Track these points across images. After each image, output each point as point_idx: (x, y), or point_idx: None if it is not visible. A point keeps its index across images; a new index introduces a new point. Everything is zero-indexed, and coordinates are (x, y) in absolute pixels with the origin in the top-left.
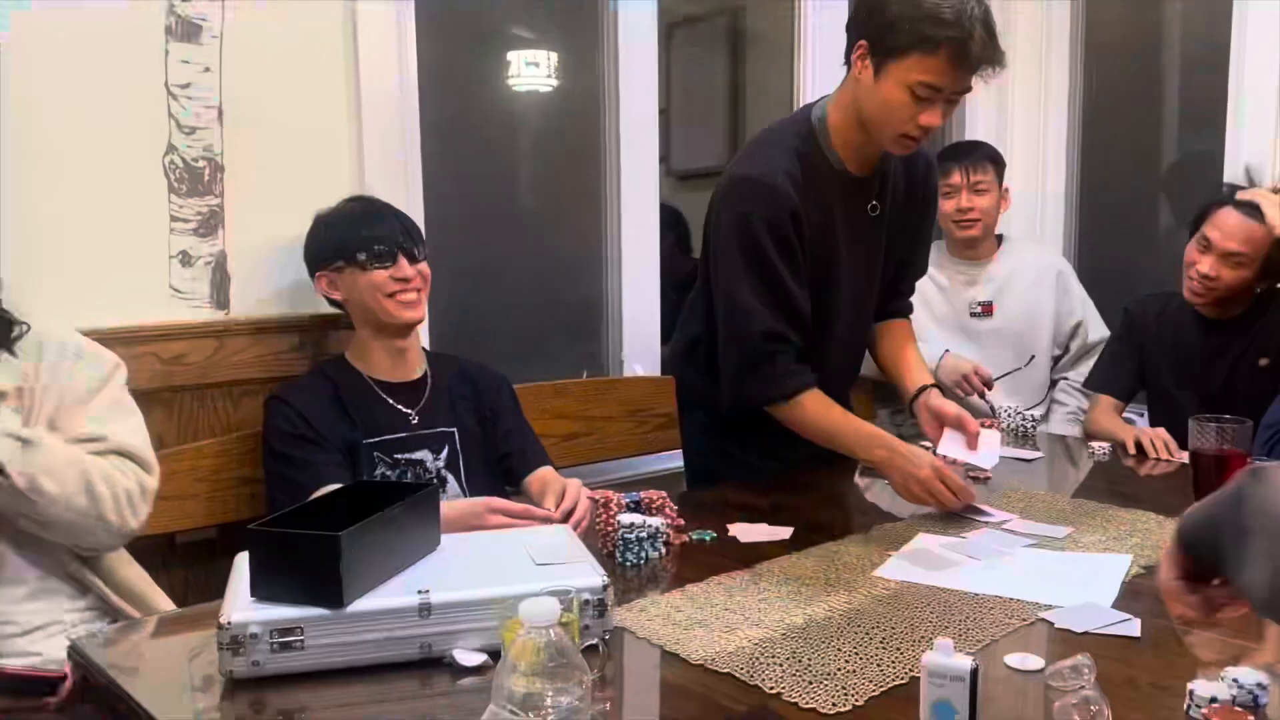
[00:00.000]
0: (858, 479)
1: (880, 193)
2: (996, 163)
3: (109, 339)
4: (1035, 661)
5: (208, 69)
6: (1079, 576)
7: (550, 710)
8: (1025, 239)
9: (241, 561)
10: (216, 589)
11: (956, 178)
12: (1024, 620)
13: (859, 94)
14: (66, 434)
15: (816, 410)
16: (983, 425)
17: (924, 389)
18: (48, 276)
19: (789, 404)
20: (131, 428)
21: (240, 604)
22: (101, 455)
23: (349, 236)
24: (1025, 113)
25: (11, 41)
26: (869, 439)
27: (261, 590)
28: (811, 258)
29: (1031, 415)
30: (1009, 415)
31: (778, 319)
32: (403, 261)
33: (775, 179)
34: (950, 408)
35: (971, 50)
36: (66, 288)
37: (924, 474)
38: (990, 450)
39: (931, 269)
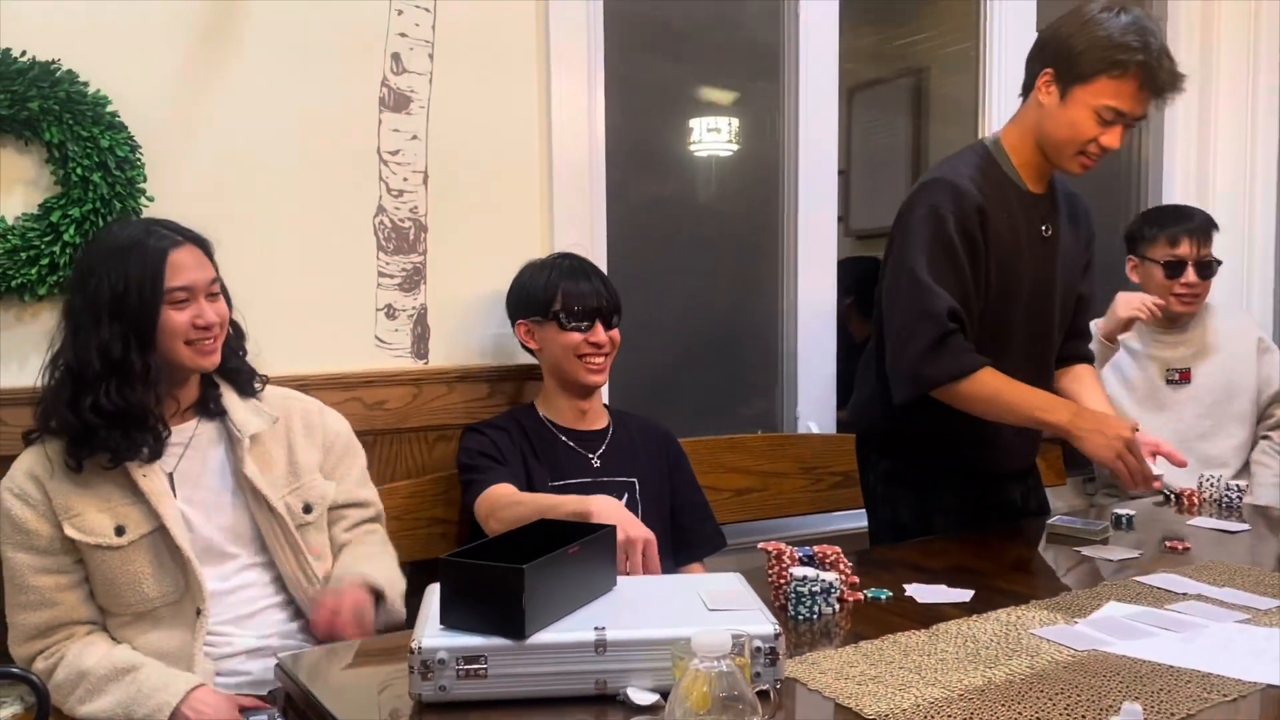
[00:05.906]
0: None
1: (1053, 215)
2: (1214, 231)
3: (321, 385)
4: None
5: (415, 136)
6: None
7: None
8: (1223, 304)
9: (432, 592)
10: (406, 622)
11: (1185, 248)
12: (1224, 696)
13: (1041, 117)
14: (342, 487)
15: (997, 382)
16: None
17: None
18: (268, 327)
19: (969, 380)
20: (371, 487)
21: (430, 631)
22: (365, 526)
23: (553, 292)
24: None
25: (249, 112)
26: (1055, 401)
27: (450, 618)
28: (996, 265)
29: (1237, 486)
30: (1212, 485)
31: (958, 301)
32: (599, 327)
33: (962, 180)
34: (1149, 437)
35: (1159, 76)
36: (284, 338)
37: (1126, 434)
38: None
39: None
